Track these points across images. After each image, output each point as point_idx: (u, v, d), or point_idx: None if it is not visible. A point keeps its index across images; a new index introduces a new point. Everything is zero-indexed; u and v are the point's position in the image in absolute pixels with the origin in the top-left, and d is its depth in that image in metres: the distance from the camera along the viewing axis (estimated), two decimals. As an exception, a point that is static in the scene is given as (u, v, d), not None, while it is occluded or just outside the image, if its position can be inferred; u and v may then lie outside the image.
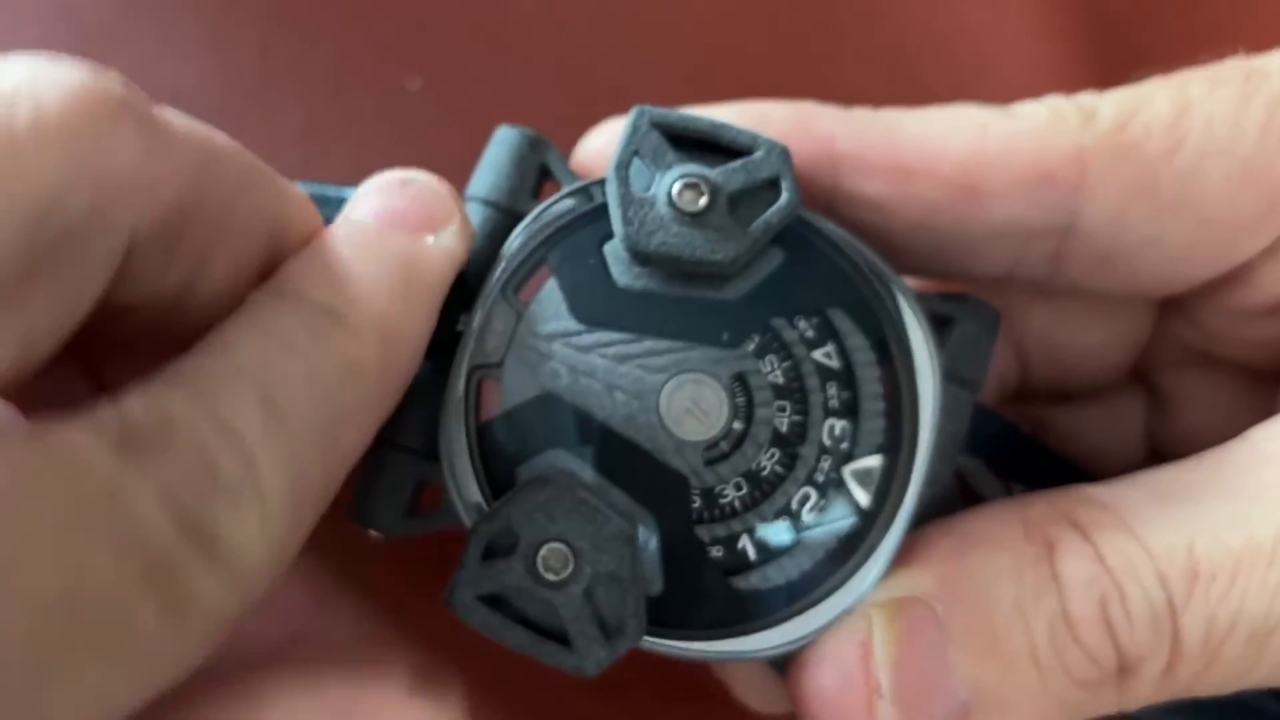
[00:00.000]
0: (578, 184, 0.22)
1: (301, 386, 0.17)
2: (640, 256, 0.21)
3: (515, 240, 0.21)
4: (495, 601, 0.20)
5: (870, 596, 0.20)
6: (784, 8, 0.36)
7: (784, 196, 0.21)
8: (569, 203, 0.21)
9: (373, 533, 0.21)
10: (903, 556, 0.21)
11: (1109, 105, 0.22)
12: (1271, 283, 0.22)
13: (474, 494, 0.21)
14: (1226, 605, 0.19)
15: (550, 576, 0.20)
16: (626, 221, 0.20)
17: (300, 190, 0.21)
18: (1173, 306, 0.25)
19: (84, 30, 0.29)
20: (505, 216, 0.22)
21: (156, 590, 0.15)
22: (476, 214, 0.22)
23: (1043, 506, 0.20)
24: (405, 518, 0.21)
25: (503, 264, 0.21)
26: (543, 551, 0.20)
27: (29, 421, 0.18)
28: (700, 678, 0.26)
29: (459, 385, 0.21)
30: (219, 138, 0.18)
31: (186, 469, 0.16)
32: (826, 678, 0.20)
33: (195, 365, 0.17)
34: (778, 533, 0.21)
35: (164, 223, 0.17)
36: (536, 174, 0.23)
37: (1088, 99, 0.22)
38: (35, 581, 0.14)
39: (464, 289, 0.21)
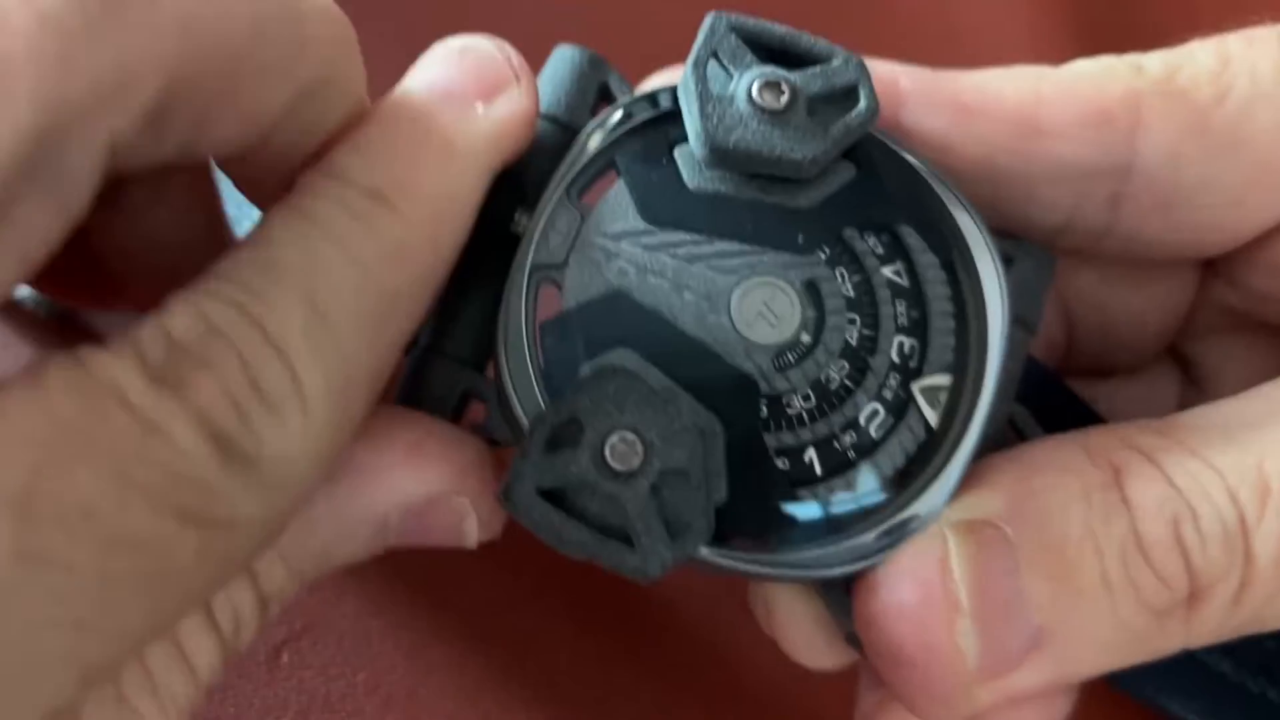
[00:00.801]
0: (646, 91, 0.21)
1: (346, 278, 0.17)
2: (717, 152, 0.20)
3: (580, 142, 0.21)
4: (555, 498, 0.19)
5: (943, 516, 0.20)
6: (784, 7, 0.36)
7: (863, 103, 0.20)
8: (637, 108, 0.21)
9: None
10: (969, 482, 0.20)
11: (1155, 60, 0.22)
12: None
13: (533, 394, 0.20)
14: None
15: (618, 467, 0.18)
16: (705, 116, 0.20)
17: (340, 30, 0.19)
18: (1216, 270, 0.25)
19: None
20: (563, 132, 0.21)
21: (196, 524, 0.15)
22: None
23: (1104, 435, 0.20)
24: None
25: (566, 165, 0.21)
26: (611, 440, 0.18)
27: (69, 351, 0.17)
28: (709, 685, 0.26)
29: (521, 283, 0.20)
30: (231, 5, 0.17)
31: (227, 386, 0.16)
32: (906, 593, 0.19)
33: (238, 264, 0.17)
34: (845, 447, 0.20)
35: (157, 109, 0.16)
36: (596, 92, 0.22)
37: (1134, 57, 0.22)
38: (75, 534, 0.14)
39: (522, 192, 0.20)
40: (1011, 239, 0.22)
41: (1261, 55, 0.22)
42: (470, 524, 0.20)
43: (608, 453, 0.18)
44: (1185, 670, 0.25)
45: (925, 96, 0.22)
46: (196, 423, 0.15)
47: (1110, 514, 0.19)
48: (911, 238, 0.21)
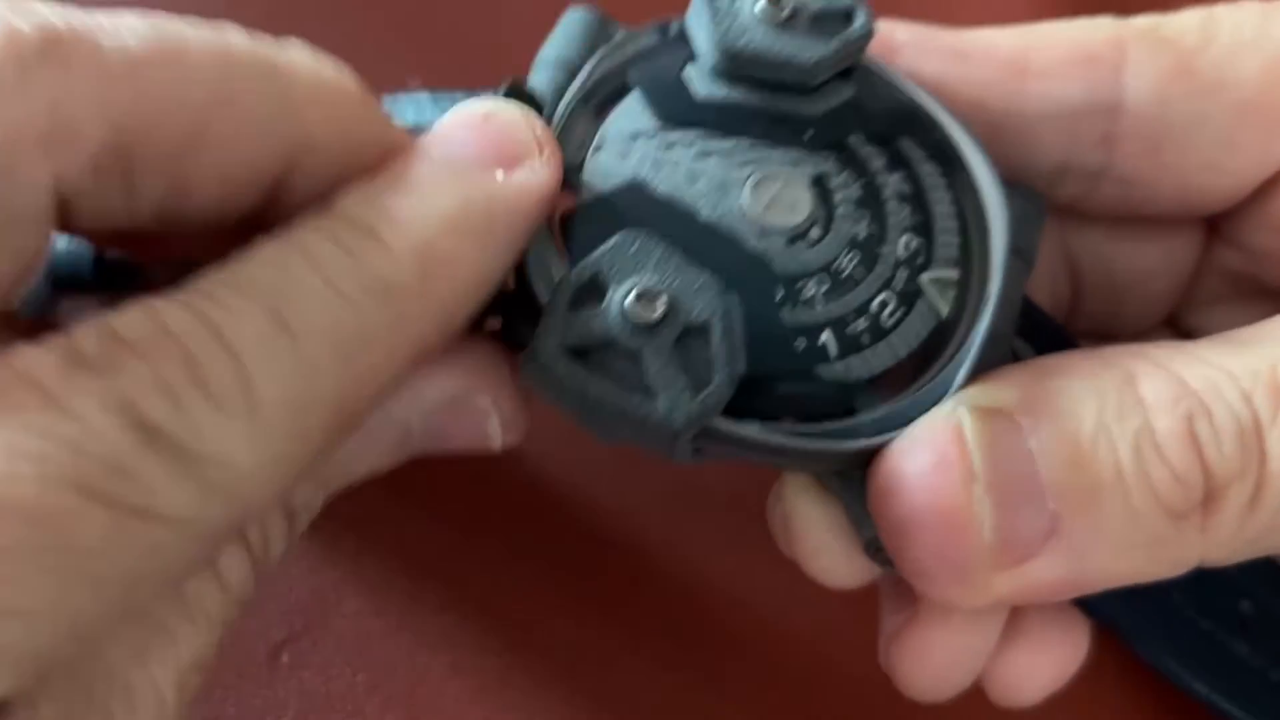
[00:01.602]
0: (656, 23, 0.23)
1: (318, 300, 0.17)
2: (727, 55, 0.21)
3: (594, 60, 0.22)
4: (579, 357, 0.19)
5: (958, 398, 0.20)
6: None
7: (860, 18, 0.22)
8: (647, 33, 0.22)
9: None
10: (982, 378, 0.20)
11: (1140, 18, 0.23)
12: None
13: (553, 277, 0.20)
14: None
15: (640, 320, 0.19)
16: (716, 24, 0.21)
17: (305, 63, 0.19)
18: (1219, 233, 0.25)
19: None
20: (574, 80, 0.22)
21: (105, 504, 0.15)
22: (545, 75, 0.22)
23: (1115, 348, 0.20)
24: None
25: (582, 77, 0.22)
26: (632, 295, 0.19)
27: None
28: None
29: None
30: (188, 43, 0.17)
31: (162, 377, 0.15)
32: (921, 458, 0.19)
33: (209, 277, 0.17)
34: (859, 331, 0.20)
35: (101, 159, 0.17)
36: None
37: (1119, 18, 0.23)
38: None
39: (539, 109, 0.21)
40: (1005, 180, 0.22)
41: (1245, 13, 0.23)
42: (493, 424, 0.20)
43: (629, 307, 0.19)
44: (1203, 645, 0.25)
45: (919, 44, 0.23)
46: (114, 404, 0.15)
47: (1125, 409, 0.19)
48: (913, 150, 0.22)
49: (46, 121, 0.16)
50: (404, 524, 0.27)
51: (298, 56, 0.18)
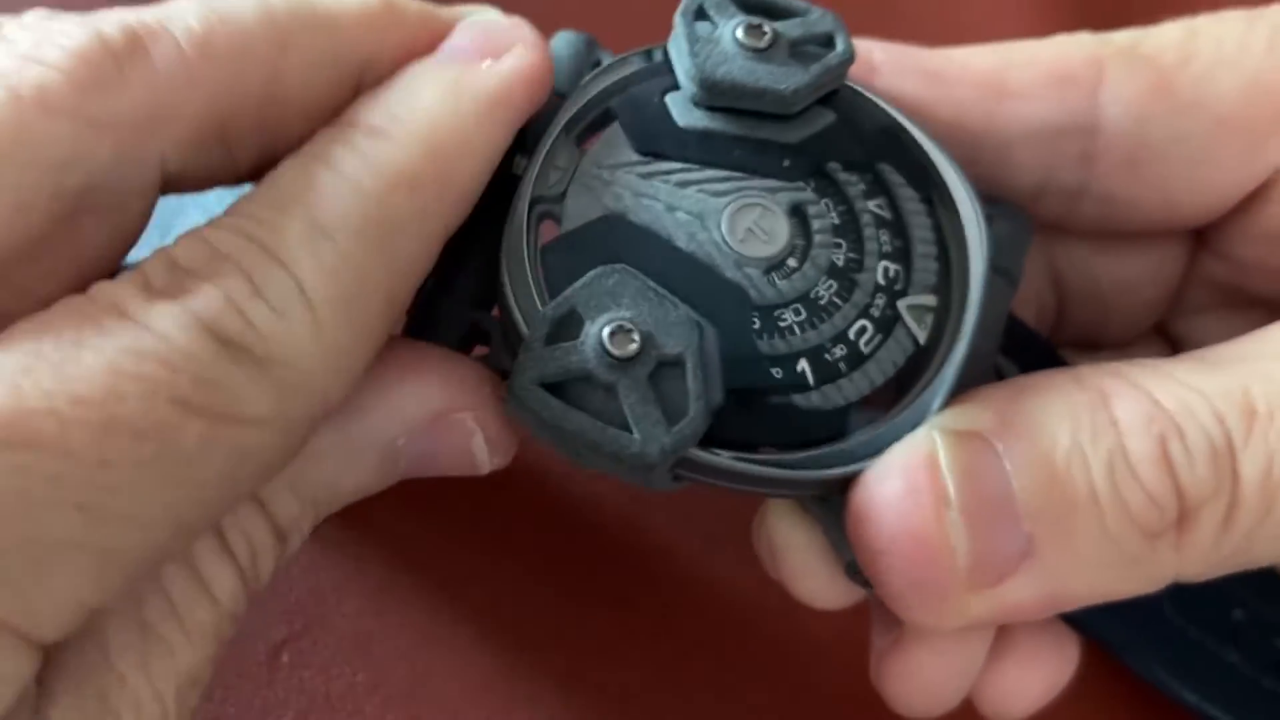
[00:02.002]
0: (640, 49, 0.23)
1: (344, 199, 0.18)
2: (707, 85, 0.21)
3: (579, 88, 0.22)
4: (556, 393, 0.19)
5: (932, 422, 0.20)
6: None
7: (840, 46, 0.22)
8: (632, 60, 0.22)
9: None
10: (959, 401, 0.20)
11: (1121, 34, 0.23)
12: None
13: (534, 307, 0.20)
14: None
15: (616, 354, 0.19)
16: (694, 54, 0.21)
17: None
18: (1205, 244, 0.25)
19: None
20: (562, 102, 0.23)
21: (199, 414, 0.16)
22: None
23: (1093, 367, 0.20)
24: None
25: (565, 107, 0.22)
26: (609, 329, 0.19)
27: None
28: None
29: (522, 211, 0.21)
30: (243, 17, 0.19)
31: (228, 293, 0.17)
32: (893, 485, 0.19)
33: (247, 198, 0.18)
34: (836, 359, 0.21)
35: (199, 133, 0.19)
36: (591, 70, 0.23)
37: (1100, 34, 0.24)
38: (65, 420, 0.15)
39: (523, 143, 0.21)
40: (991, 199, 0.23)
41: (1227, 27, 0.23)
42: (478, 443, 0.21)
43: (606, 341, 0.19)
44: (1193, 655, 0.25)
45: (897, 65, 0.23)
46: (194, 322, 0.16)
47: (1098, 431, 0.19)
48: (892, 175, 0.22)
49: (147, 108, 0.18)
50: (404, 524, 0.27)
51: None
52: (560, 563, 0.27)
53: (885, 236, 0.22)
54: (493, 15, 0.21)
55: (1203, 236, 0.25)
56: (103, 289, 0.17)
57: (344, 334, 0.18)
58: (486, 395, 0.21)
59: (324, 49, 0.20)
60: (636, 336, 0.19)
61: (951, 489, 0.19)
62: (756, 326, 0.21)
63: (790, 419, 0.20)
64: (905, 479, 0.19)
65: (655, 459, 0.19)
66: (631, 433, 0.19)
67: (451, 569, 0.26)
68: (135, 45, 0.18)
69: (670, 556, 0.28)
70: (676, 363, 0.19)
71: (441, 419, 0.20)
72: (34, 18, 0.18)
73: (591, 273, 0.20)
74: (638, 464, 0.19)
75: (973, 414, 0.20)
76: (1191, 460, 0.19)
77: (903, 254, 0.22)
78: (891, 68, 0.23)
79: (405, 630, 0.26)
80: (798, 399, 0.20)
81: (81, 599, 0.16)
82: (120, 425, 0.16)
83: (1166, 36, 0.23)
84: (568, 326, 0.20)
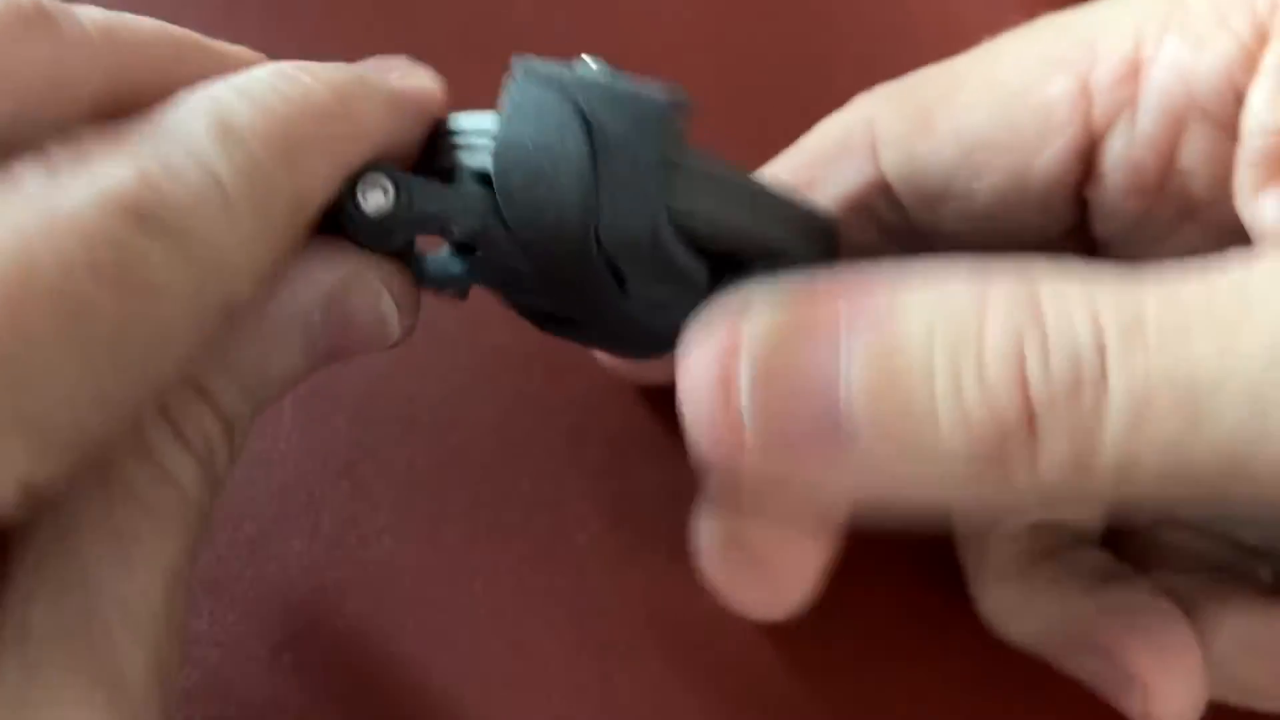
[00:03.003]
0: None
1: (257, 117, 0.19)
2: None
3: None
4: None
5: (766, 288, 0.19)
6: (783, 6, 0.36)
7: None
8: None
9: None
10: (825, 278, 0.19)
11: (887, 84, 0.25)
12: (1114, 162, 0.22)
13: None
14: (1171, 360, 0.17)
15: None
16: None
17: (248, 53, 0.22)
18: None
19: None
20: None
21: (113, 281, 0.16)
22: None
23: (1007, 263, 0.19)
24: None
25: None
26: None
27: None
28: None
29: None
30: (143, 25, 0.20)
31: (142, 171, 0.17)
32: (699, 339, 0.19)
33: (151, 111, 0.19)
34: None
35: (97, 111, 0.19)
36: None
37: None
38: None
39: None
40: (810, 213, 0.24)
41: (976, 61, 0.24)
42: (387, 302, 0.21)
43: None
44: None
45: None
46: (99, 191, 0.17)
47: (957, 312, 0.18)
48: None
49: (50, 71, 0.18)
50: (405, 524, 0.27)
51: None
52: (561, 565, 0.27)
53: None
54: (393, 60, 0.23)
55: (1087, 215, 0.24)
56: (12, 167, 0.17)
57: (255, 224, 0.19)
58: (387, 262, 0.21)
59: (218, 71, 0.21)
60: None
61: (750, 360, 0.18)
62: None
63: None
64: (709, 338, 0.19)
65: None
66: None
67: (452, 570, 0.26)
68: (44, 15, 0.19)
69: (672, 557, 0.28)
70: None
71: (351, 282, 0.21)
72: None
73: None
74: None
75: (812, 289, 0.19)
76: (1046, 361, 0.17)
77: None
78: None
79: (405, 630, 0.26)
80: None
81: (19, 475, 0.16)
82: (39, 296, 0.16)
83: (928, 72, 0.24)
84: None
